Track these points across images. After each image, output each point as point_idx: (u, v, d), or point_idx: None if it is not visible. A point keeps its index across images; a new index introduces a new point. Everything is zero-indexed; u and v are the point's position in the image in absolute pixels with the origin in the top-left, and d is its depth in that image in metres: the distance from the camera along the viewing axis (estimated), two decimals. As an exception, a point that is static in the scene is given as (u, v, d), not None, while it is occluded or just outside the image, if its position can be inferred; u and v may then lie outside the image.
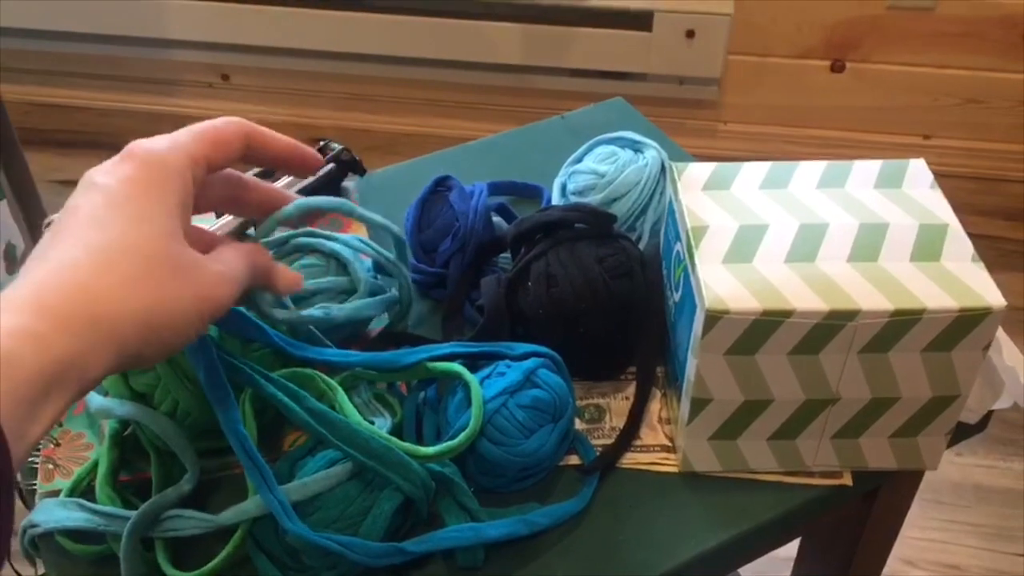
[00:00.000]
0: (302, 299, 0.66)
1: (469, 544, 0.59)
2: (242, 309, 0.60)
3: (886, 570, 0.86)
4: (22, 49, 2.15)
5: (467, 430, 0.59)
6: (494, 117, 2.12)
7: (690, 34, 1.88)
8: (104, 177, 0.44)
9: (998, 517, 1.54)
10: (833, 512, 0.70)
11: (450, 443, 0.59)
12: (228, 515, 0.57)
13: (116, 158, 0.46)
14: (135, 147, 0.46)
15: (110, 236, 0.42)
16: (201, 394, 0.59)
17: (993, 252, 1.86)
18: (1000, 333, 0.66)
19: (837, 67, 1.97)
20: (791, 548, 0.89)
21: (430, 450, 0.59)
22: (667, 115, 2.05)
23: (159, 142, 0.47)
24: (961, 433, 0.69)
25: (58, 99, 2.21)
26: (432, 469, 0.60)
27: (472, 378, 0.62)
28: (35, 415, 0.37)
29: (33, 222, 1.55)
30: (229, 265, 0.48)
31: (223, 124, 0.50)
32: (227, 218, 0.78)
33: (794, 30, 1.93)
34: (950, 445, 0.67)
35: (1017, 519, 1.53)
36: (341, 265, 0.68)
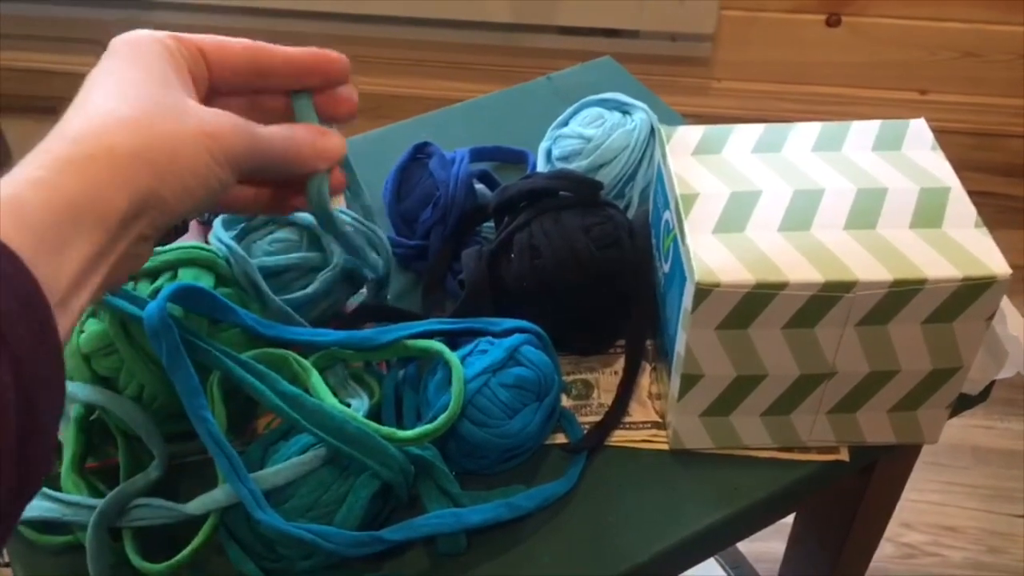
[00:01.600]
0: (271, 275, 0.63)
1: (450, 530, 0.56)
2: (205, 287, 0.57)
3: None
4: (24, 15, 2.10)
5: (447, 412, 0.57)
6: (483, 77, 2.07)
7: (682, -11, 1.84)
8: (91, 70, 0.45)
9: (996, 478, 1.52)
10: (829, 488, 0.68)
11: (428, 426, 0.56)
12: (196, 504, 0.55)
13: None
14: (114, 39, 0.46)
15: (97, 95, 0.42)
16: (164, 376, 0.56)
17: (992, 209, 1.83)
18: (1004, 301, 0.63)
19: (832, 21, 1.92)
20: (788, 519, 0.87)
21: (408, 433, 0.56)
22: (659, 73, 2.00)
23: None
24: (962, 404, 0.66)
25: (36, 64, 2.16)
26: (411, 452, 0.57)
27: (453, 356, 0.59)
28: (60, 260, 0.37)
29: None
30: (238, 116, 0.46)
31: (229, 38, 0.50)
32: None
33: (788, -17, 1.89)
34: (951, 416, 0.64)
35: (1016, 480, 1.51)
36: (314, 239, 0.65)
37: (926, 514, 1.48)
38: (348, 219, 0.66)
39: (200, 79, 0.47)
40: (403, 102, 2.12)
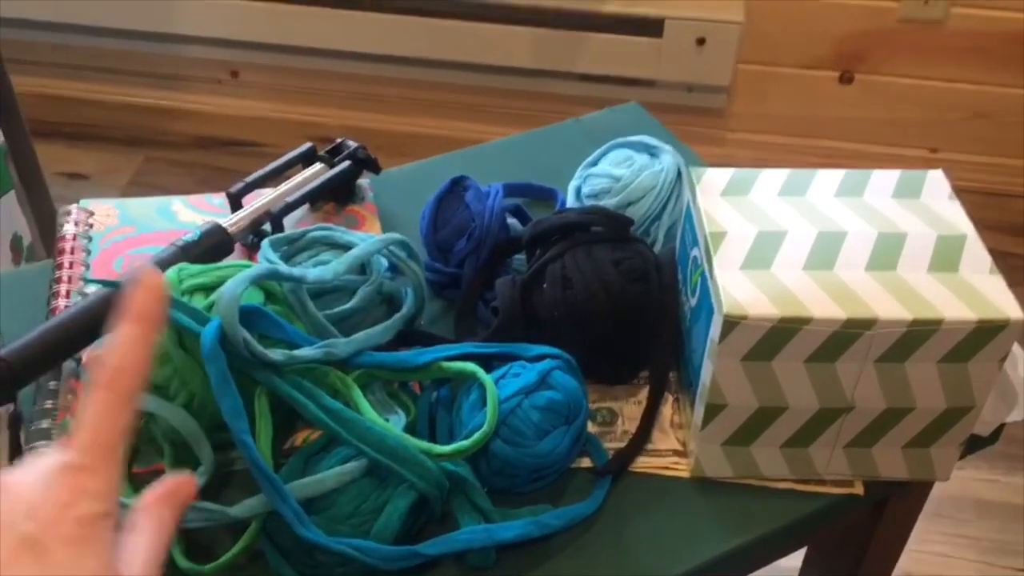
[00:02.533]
0: (315, 296, 0.66)
1: (482, 545, 0.58)
2: (259, 305, 0.60)
3: (886, 582, 0.86)
4: (34, 41, 2.15)
5: (483, 429, 0.59)
6: (503, 120, 2.12)
7: (700, 41, 1.88)
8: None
9: (998, 531, 1.54)
10: (842, 520, 0.70)
11: (465, 442, 0.59)
12: (240, 509, 0.57)
13: None
14: None
15: None
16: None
17: (1001, 267, 1.85)
18: (1015, 346, 0.66)
19: (846, 78, 1.97)
20: (795, 559, 0.89)
21: (445, 449, 0.59)
22: (675, 122, 2.02)
23: None
24: (973, 445, 0.69)
25: (68, 92, 2.21)
26: (446, 468, 0.60)
27: (487, 378, 0.62)
28: None
29: (40, 213, 1.55)
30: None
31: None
32: (241, 213, 0.78)
33: (804, 40, 1.93)
34: (962, 457, 0.67)
35: (1017, 533, 1.53)
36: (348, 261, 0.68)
37: (929, 565, 1.49)
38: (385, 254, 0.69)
39: None
40: (423, 141, 2.16)
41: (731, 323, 0.57)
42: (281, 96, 2.17)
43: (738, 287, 0.59)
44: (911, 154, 2.02)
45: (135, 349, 0.41)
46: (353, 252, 0.67)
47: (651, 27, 1.90)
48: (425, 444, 0.59)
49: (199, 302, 0.60)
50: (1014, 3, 1.82)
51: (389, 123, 2.19)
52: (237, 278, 0.59)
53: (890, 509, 0.73)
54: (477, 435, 0.59)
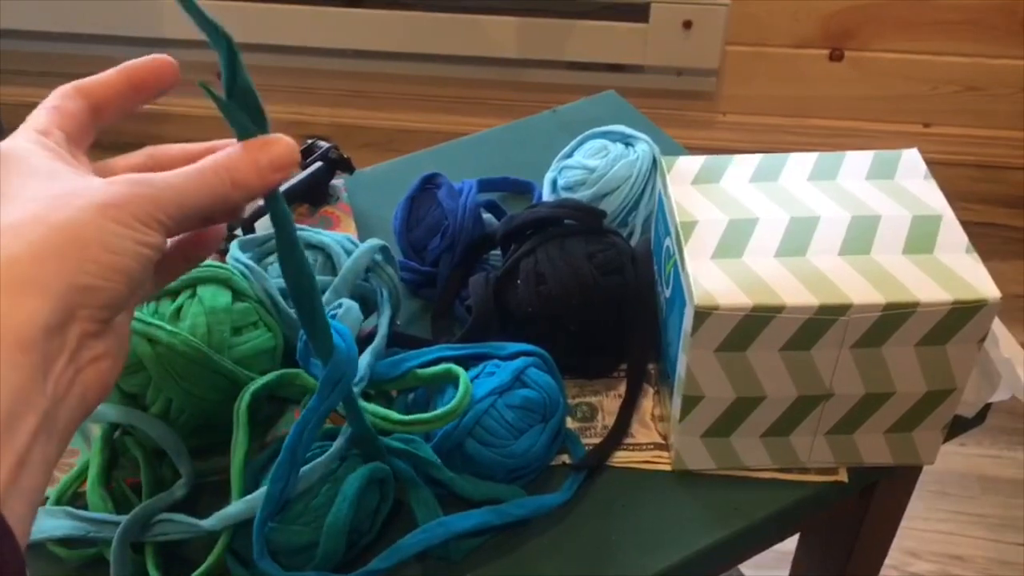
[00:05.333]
0: (286, 295, 0.65)
1: (439, 541, 0.58)
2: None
3: (890, 561, 0.85)
4: (19, 50, 2.15)
5: (449, 405, 0.58)
6: (492, 112, 2.11)
7: (687, 25, 1.87)
8: None
9: (1004, 507, 1.53)
10: (831, 508, 0.69)
11: (426, 415, 0.59)
12: (213, 521, 0.56)
13: None
14: None
15: None
16: (192, 391, 0.59)
17: (995, 240, 1.84)
18: (997, 324, 0.65)
19: (835, 56, 1.95)
20: (791, 542, 0.88)
21: (405, 417, 0.59)
22: (665, 107, 2.03)
23: None
24: (959, 426, 0.68)
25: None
26: (398, 447, 0.60)
27: (461, 369, 0.61)
28: None
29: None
30: (136, 174, 0.42)
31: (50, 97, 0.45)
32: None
33: (791, 19, 1.92)
34: (948, 439, 0.66)
35: (1022, 508, 1.52)
36: (329, 261, 0.68)
37: (933, 543, 1.48)
38: (353, 247, 0.69)
39: (85, 139, 0.44)
40: (413, 136, 2.15)
41: (703, 314, 0.56)
42: (269, 96, 2.14)
43: (709, 277, 0.58)
44: (905, 129, 2.01)
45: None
46: (342, 273, 0.66)
47: (637, 12, 1.88)
48: (382, 411, 0.58)
49: (166, 307, 0.60)
50: (1003, -26, 1.80)
51: (378, 119, 2.18)
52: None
53: (879, 494, 0.72)
54: (441, 410, 0.58)
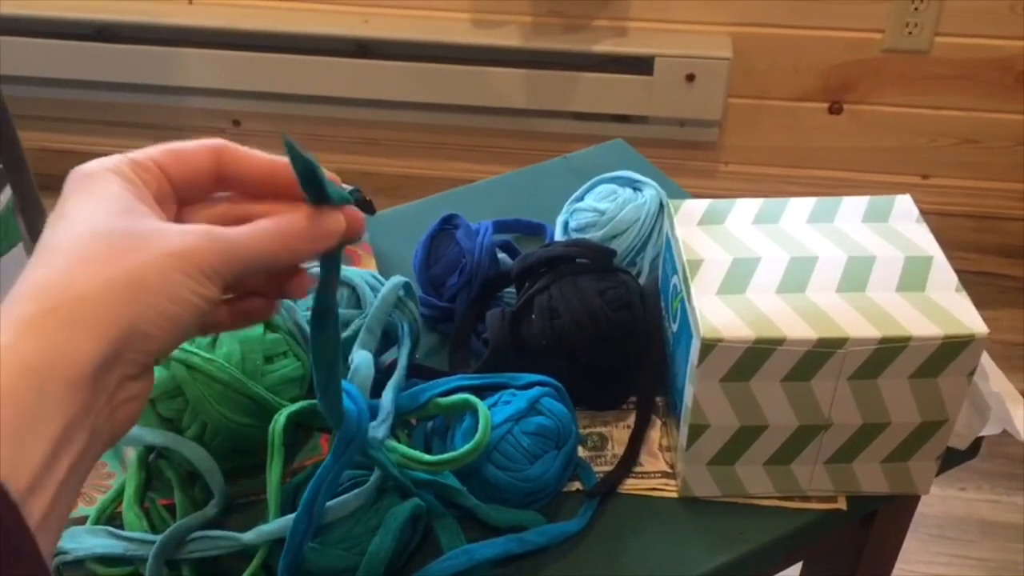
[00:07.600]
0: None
1: (463, 568, 0.61)
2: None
3: (892, 602, 0.88)
4: (38, 97, 2.20)
5: (471, 442, 0.62)
6: (498, 160, 2.16)
7: (690, 78, 1.92)
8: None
9: (1003, 551, 1.55)
10: (832, 536, 0.72)
11: (453, 453, 0.62)
12: (252, 535, 0.59)
13: None
14: (70, 174, 0.43)
15: (60, 238, 0.40)
16: (226, 415, 0.62)
17: (994, 289, 1.88)
18: (986, 360, 0.68)
19: (835, 109, 2.00)
20: (794, 571, 0.90)
21: (434, 458, 0.62)
22: (668, 156, 2.08)
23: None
24: (952, 459, 0.71)
25: (73, 145, 2.26)
26: (426, 479, 0.63)
27: (480, 403, 0.65)
28: (23, 438, 0.34)
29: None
30: (200, 225, 0.43)
31: (189, 142, 0.47)
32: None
33: (792, 73, 1.97)
34: (941, 471, 0.69)
35: (1021, 553, 1.54)
36: (355, 295, 0.71)
37: (935, 587, 1.50)
38: (376, 283, 0.72)
39: (165, 196, 0.45)
40: (422, 182, 2.20)
41: (708, 346, 0.60)
42: (282, 143, 2.21)
43: (714, 312, 0.61)
44: (903, 181, 2.05)
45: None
46: (372, 312, 0.69)
47: (642, 65, 1.94)
48: (414, 452, 0.62)
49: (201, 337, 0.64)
50: (997, 31, 1.85)
51: (388, 166, 2.23)
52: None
53: (878, 523, 0.75)
54: (466, 447, 0.62)
